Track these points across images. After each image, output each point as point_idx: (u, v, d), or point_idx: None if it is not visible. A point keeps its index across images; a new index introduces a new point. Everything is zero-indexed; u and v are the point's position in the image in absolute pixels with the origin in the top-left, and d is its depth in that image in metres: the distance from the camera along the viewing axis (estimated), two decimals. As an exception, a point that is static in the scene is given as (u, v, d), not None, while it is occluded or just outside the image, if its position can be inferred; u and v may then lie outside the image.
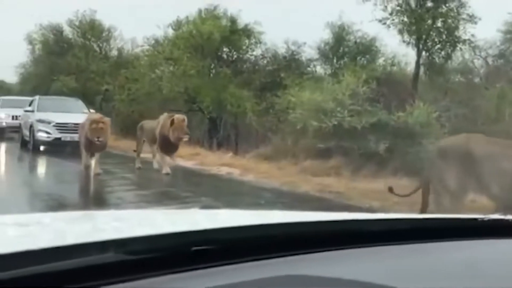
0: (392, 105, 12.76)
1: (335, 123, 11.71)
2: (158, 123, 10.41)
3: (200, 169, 10.75)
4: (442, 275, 1.01)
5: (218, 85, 18.85)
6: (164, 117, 10.45)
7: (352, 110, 11.98)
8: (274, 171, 10.93)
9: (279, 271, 0.89)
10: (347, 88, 12.54)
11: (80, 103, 16.04)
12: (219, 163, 12.06)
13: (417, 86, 16.46)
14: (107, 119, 9.78)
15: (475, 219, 1.27)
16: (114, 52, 27.30)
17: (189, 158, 12.49)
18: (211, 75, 20.30)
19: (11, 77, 38.87)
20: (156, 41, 21.92)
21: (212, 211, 1.57)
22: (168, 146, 10.12)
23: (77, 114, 14.11)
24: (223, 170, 11.22)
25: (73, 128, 13.24)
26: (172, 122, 9.95)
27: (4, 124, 18.90)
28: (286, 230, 1.06)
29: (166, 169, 9.91)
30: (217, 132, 18.90)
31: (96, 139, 9.27)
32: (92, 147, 9.54)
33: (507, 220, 1.29)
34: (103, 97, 24.02)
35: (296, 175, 10.33)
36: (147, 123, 11.35)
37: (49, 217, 1.28)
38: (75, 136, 12.66)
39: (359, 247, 1.06)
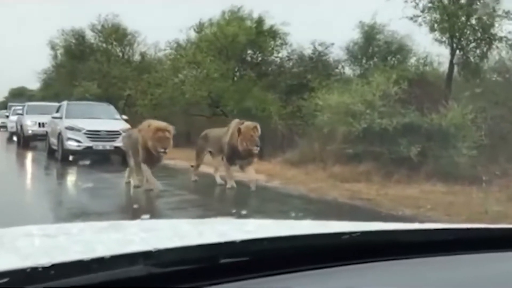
0: (425, 107, 12.55)
1: (365, 125, 11.58)
2: (227, 131, 9.59)
3: (226, 176, 10.75)
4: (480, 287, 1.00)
5: (242, 89, 18.90)
6: (234, 124, 9.54)
7: (383, 112, 11.83)
8: (301, 177, 10.89)
9: (309, 284, 0.90)
10: (377, 89, 12.40)
11: (112, 109, 15.15)
12: (244, 168, 12.04)
13: (451, 86, 16.20)
14: (172, 127, 8.86)
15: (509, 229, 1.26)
16: (137, 57, 27.71)
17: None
18: (235, 78, 20.36)
19: (33, 84, 39.92)
20: (179, 44, 22.13)
21: (238, 221, 1.58)
22: (235, 158, 9.37)
23: (109, 120, 13.58)
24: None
25: (106, 136, 12.73)
26: (239, 131, 9.03)
27: (30, 132, 17.70)
28: (315, 242, 1.06)
29: (219, 180, 10.08)
30: (242, 136, 18.87)
31: (162, 150, 8.42)
32: (153, 159, 8.66)
33: None
34: (125, 102, 24.35)
35: (324, 181, 10.26)
36: (212, 132, 10.50)
37: (77, 228, 1.31)
38: (107, 145, 12.36)
39: (395, 259, 1.06)
